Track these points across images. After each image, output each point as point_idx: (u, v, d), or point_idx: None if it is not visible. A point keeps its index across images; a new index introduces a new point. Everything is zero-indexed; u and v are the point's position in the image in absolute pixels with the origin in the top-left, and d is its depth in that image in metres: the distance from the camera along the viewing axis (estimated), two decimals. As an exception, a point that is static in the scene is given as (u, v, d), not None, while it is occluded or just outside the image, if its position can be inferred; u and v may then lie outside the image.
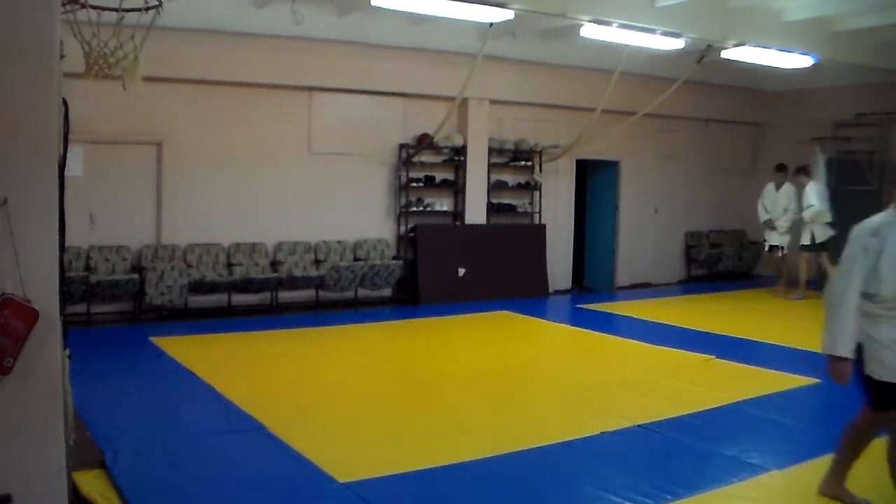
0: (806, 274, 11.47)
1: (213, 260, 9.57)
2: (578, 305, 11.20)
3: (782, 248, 11.80)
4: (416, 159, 10.90)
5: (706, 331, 9.09)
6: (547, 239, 11.96)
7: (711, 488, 4.35)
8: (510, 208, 11.82)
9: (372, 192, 10.79)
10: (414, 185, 10.96)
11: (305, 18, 8.95)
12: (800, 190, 11.58)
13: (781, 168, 11.91)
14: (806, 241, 11.38)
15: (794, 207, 11.65)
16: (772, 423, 5.62)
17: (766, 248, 12.13)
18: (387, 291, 10.86)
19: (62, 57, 3.36)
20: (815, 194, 11.25)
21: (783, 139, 13.97)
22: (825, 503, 4.19)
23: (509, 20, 8.46)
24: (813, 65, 10.38)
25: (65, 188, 3.37)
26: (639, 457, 5.00)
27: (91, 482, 4.24)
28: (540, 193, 11.96)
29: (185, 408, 5.78)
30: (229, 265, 9.67)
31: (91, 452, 4.60)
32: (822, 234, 11.17)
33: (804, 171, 11.52)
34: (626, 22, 8.52)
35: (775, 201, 11.84)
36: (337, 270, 9.93)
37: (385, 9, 8.22)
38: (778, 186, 11.87)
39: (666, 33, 8.93)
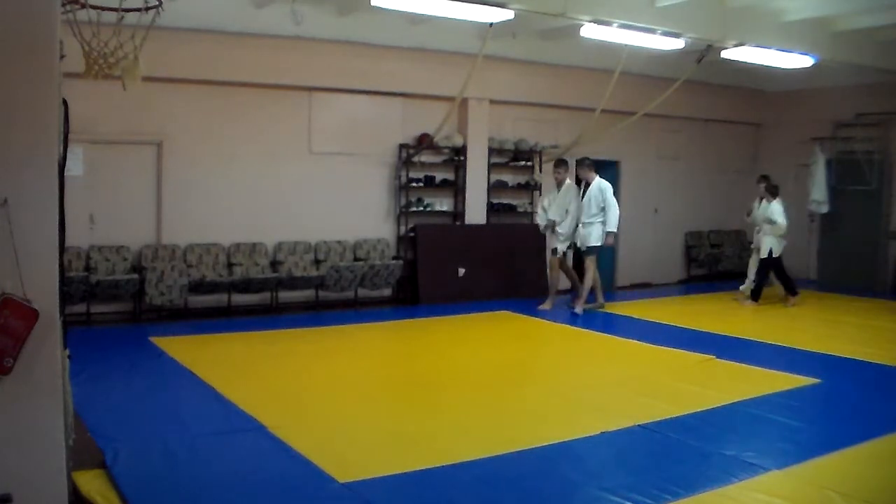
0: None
1: (213, 260, 9.57)
2: (578, 305, 11.17)
3: (564, 253, 10.59)
4: (416, 159, 10.90)
5: (706, 331, 9.09)
6: (547, 239, 11.94)
7: (711, 488, 4.34)
8: (510, 208, 11.82)
9: (372, 192, 10.78)
10: (414, 185, 10.96)
11: (305, 18, 8.96)
12: (580, 185, 10.34)
13: (561, 164, 10.40)
14: (596, 241, 10.22)
15: (575, 208, 10.22)
16: (772, 423, 5.62)
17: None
18: (387, 291, 10.85)
19: (62, 57, 3.36)
20: (609, 192, 10.09)
21: (783, 139, 13.99)
22: None
23: (509, 20, 8.46)
24: (813, 65, 10.37)
25: (65, 188, 3.37)
26: (639, 457, 5.00)
27: (91, 482, 4.24)
28: (540, 193, 11.96)
29: (185, 408, 5.78)
30: (229, 265, 9.67)
31: (91, 452, 4.60)
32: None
33: (586, 164, 10.30)
34: (626, 22, 8.51)
35: (558, 203, 10.34)
36: (337, 270, 9.94)
37: (385, 9, 8.22)
38: (559, 185, 10.39)
39: (666, 33, 8.93)
